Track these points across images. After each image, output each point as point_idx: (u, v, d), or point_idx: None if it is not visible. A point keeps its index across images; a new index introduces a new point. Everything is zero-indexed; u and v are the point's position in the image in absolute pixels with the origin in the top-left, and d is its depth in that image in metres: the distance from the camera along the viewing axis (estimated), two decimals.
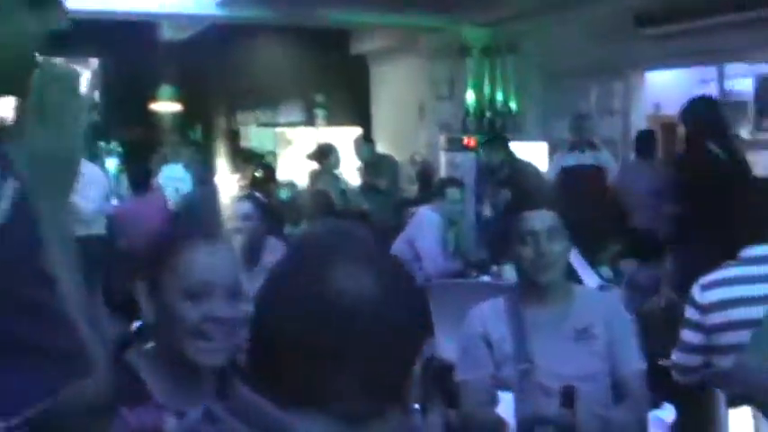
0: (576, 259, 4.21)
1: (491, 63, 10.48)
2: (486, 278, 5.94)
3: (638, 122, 9.04)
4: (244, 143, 12.04)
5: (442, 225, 6.17)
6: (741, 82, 8.19)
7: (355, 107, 12.33)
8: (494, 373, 2.95)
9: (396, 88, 12.22)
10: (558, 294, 3.00)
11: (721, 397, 1.54)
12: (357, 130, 10.92)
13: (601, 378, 2.93)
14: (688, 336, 3.33)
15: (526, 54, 10.03)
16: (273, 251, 4.97)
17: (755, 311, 3.02)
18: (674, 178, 6.07)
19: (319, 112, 11.70)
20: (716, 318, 3.22)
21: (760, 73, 8.06)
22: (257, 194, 5.74)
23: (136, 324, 2.09)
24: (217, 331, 1.83)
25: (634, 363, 2.97)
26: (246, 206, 5.10)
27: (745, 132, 8.18)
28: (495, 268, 5.93)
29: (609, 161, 8.02)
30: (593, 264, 4.26)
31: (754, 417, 1.59)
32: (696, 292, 3.29)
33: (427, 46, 11.33)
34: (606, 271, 4.28)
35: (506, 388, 2.89)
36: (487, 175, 7.91)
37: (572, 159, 7.90)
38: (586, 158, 7.85)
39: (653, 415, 2.06)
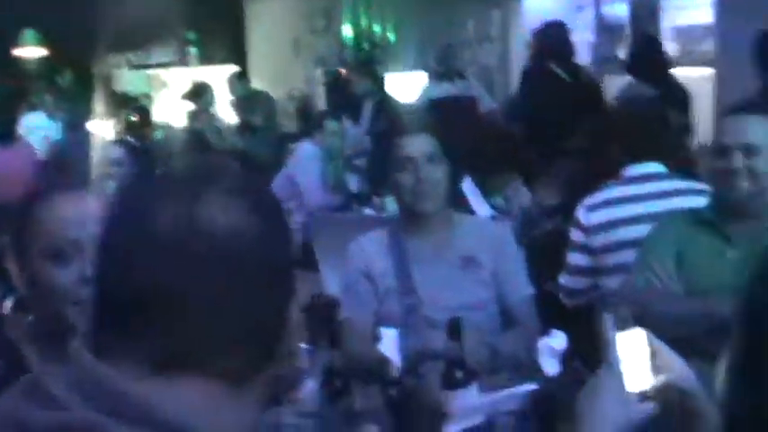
0: (468, 188, 4.12)
1: None
2: (368, 211, 5.82)
3: (517, 50, 8.98)
4: (117, 87, 11.55)
5: (322, 158, 6.03)
6: (617, 7, 8.19)
7: (230, 44, 11.96)
8: (377, 309, 2.84)
9: (271, 23, 11.90)
10: (440, 223, 2.89)
11: (610, 320, 1.44)
12: (233, 68, 10.61)
13: (488, 306, 2.86)
14: (574, 258, 3.29)
15: None
16: None
17: (639, 230, 2.98)
18: (518, 97, 6.22)
19: (192, 51, 11.28)
20: (601, 239, 3.19)
21: None
22: (129, 138, 5.49)
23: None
24: None
25: (522, 289, 2.90)
26: (117, 151, 4.89)
27: (622, 55, 8.20)
28: (377, 200, 5.81)
29: (478, 90, 7.90)
30: (487, 194, 4.17)
31: (647, 338, 1.50)
32: (580, 213, 3.24)
33: None
34: (500, 201, 4.20)
35: (391, 324, 2.79)
36: (352, 105, 7.66)
37: (439, 90, 7.71)
38: (455, 89, 7.69)
39: (543, 343, 1.98)
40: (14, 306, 1.85)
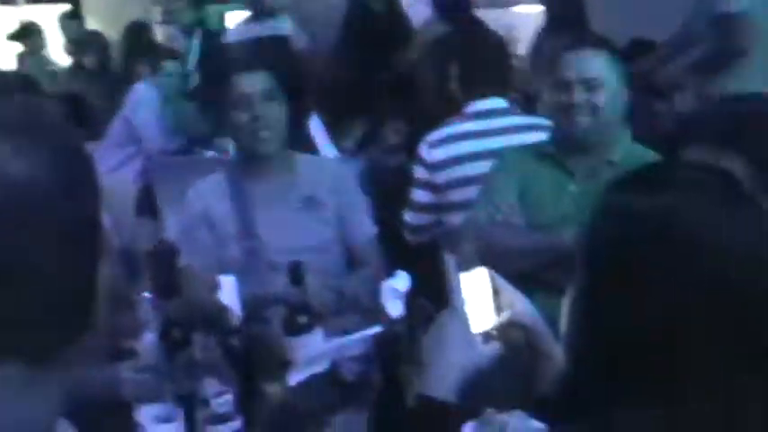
0: (315, 129, 4.03)
1: None
2: (210, 153, 5.65)
3: None
4: None
5: (160, 100, 5.78)
6: None
7: None
8: (218, 254, 2.74)
9: None
10: (280, 164, 2.81)
11: (452, 261, 1.41)
12: (64, 7, 10.11)
13: (332, 247, 2.80)
14: (418, 195, 3.26)
15: None
16: None
17: (483, 167, 2.97)
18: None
19: None
20: (444, 175, 3.17)
21: None
22: None
23: None
24: None
25: (365, 229, 2.86)
26: None
27: None
28: (218, 141, 5.63)
29: (290, 27, 7.66)
30: (338, 135, 4.08)
31: (490, 276, 1.48)
32: (423, 150, 3.21)
33: None
34: (350, 143, 4.11)
35: (233, 270, 2.69)
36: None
37: (246, 32, 7.45)
38: (263, 29, 7.43)
39: (386, 284, 1.93)
40: None
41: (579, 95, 2.63)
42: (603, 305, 1.10)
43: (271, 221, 2.74)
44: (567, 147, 2.73)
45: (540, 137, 2.97)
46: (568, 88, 2.64)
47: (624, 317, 1.07)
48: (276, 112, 2.71)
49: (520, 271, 2.31)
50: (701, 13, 4.32)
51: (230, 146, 5.18)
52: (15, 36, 7.97)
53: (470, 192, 2.99)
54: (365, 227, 2.86)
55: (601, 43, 2.79)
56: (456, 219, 3.08)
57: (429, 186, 3.21)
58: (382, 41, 5.76)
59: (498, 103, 3.25)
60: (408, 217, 3.33)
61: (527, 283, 1.90)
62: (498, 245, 2.59)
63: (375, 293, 2.66)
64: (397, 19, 6.06)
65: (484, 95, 3.24)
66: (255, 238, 2.72)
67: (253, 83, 2.72)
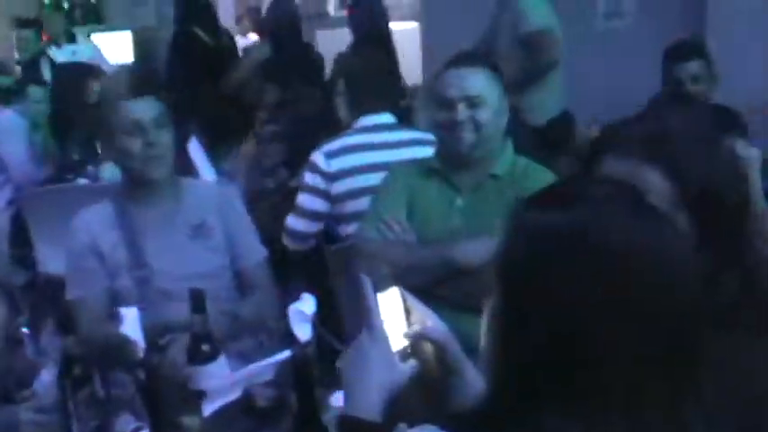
0: (194, 151, 4.00)
1: None
2: (83, 181, 5.51)
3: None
4: None
5: (27, 128, 5.61)
6: None
7: None
8: (109, 285, 2.68)
9: None
10: (168, 190, 2.77)
11: (368, 282, 1.43)
12: None
13: (222, 273, 2.79)
14: (308, 201, 3.33)
15: None
16: None
17: (377, 178, 3.02)
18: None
19: None
20: (341, 185, 3.26)
21: None
22: None
23: None
24: None
25: (255, 253, 2.86)
26: None
27: (331, 9, 8.27)
28: (91, 169, 5.51)
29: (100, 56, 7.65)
30: (215, 157, 4.08)
31: (402, 295, 1.50)
32: (319, 159, 3.30)
33: None
34: (228, 165, 4.11)
35: (125, 301, 2.64)
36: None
37: (62, 55, 7.40)
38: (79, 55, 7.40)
39: (293, 308, 1.93)
40: None
41: (463, 113, 2.68)
42: (521, 321, 1.13)
43: (160, 249, 2.70)
44: (451, 162, 2.78)
45: (426, 151, 3.05)
46: (452, 106, 2.70)
47: (541, 332, 1.10)
48: (166, 139, 2.68)
49: (414, 287, 2.36)
50: (501, 32, 4.64)
51: (105, 171, 5.10)
52: None
53: (364, 203, 3.05)
54: (254, 250, 2.85)
55: (480, 60, 2.86)
56: (348, 229, 3.15)
57: (324, 195, 3.30)
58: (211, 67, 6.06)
59: (387, 117, 3.40)
60: (294, 223, 3.37)
61: (420, 298, 1.93)
62: (390, 260, 2.62)
63: (271, 316, 2.70)
64: (224, 47, 6.41)
65: (372, 111, 3.37)
66: (146, 267, 2.67)
67: (144, 108, 2.68)
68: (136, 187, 2.75)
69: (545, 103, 4.82)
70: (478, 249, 2.50)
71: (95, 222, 2.74)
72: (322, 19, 7.77)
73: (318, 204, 3.32)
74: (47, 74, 6.68)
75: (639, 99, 4.87)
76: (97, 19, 9.43)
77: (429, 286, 2.57)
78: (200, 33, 6.31)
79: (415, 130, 3.47)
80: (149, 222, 2.73)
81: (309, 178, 3.33)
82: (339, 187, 3.28)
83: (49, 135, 5.71)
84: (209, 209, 2.80)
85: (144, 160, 2.65)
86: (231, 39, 6.67)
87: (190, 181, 2.96)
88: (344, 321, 2.89)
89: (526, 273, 1.14)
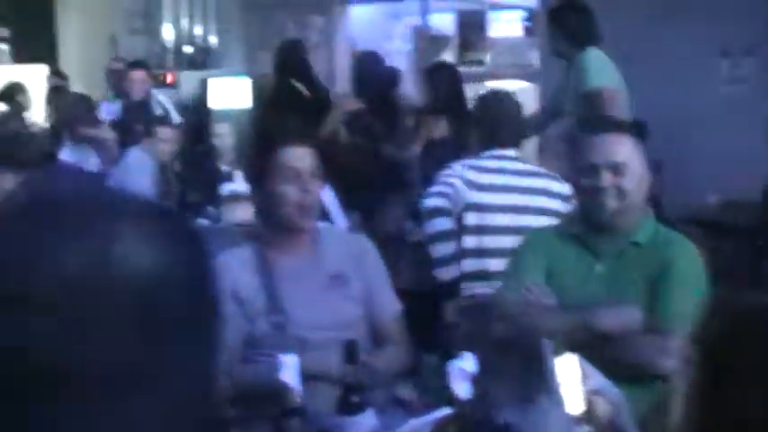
0: (327, 198, 4.07)
1: None
2: (203, 221, 5.63)
3: (342, 57, 8.98)
4: None
5: (153, 166, 5.77)
6: (443, 17, 8.33)
7: (40, 42, 11.40)
8: (248, 330, 2.72)
9: (84, 20, 11.42)
10: (309, 238, 2.81)
11: (548, 346, 1.43)
12: (43, 68, 10.10)
13: (358, 324, 2.79)
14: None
15: None
16: None
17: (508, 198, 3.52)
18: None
19: (3, 48, 10.62)
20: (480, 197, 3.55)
21: (461, 9, 8.23)
22: None
23: None
24: None
25: (390, 306, 2.86)
26: None
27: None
28: (211, 210, 5.63)
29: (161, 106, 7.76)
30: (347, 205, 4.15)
31: (578, 361, 1.50)
32: (465, 171, 3.59)
33: None
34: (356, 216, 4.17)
35: (260, 346, 2.68)
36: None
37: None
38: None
39: (453, 365, 1.93)
40: None
41: (607, 180, 2.67)
42: (731, 397, 1.12)
43: (298, 296, 2.73)
44: (592, 228, 2.77)
45: (549, 184, 3.53)
46: (595, 172, 2.69)
47: (757, 407, 1.10)
48: (318, 188, 2.73)
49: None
50: (568, 89, 4.88)
51: (225, 214, 5.21)
52: (1, 96, 7.94)
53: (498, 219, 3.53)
54: (390, 303, 2.86)
55: (624, 127, 2.86)
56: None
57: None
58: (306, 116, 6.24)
59: (513, 152, 3.73)
60: (436, 251, 3.58)
61: None
62: (532, 325, 2.60)
63: (403, 370, 2.70)
64: (318, 98, 6.68)
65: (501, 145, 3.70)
66: (283, 313, 2.70)
67: (302, 156, 2.73)
68: (278, 233, 2.79)
69: None
70: (621, 316, 2.49)
71: (235, 266, 2.78)
72: None
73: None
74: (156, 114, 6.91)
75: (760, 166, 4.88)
76: (217, 63, 9.66)
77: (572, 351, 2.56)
78: (298, 85, 6.61)
79: (528, 164, 3.84)
80: (288, 269, 2.77)
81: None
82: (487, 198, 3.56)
83: (173, 174, 5.88)
84: (347, 258, 2.83)
85: (297, 208, 2.70)
86: (326, 91, 6.92)
87: (328, 228, 2.99)
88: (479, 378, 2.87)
89: (733, 351, 1.14)
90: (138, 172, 5.68)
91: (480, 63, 7.95)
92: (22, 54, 10.73)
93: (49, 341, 0.71)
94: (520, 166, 3.75)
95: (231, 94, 8.75)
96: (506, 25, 8.05)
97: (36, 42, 11.17)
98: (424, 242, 3.65)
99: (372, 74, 5.96)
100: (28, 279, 0.73)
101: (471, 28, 8.02)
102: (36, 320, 0.72)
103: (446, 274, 3.45)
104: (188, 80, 9.27)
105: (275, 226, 2.79)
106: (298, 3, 9.05)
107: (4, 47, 10.54)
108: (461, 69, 7.71)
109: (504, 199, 3.57)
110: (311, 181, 2.70)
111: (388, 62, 8.06)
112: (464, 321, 3.14)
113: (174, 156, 5.83)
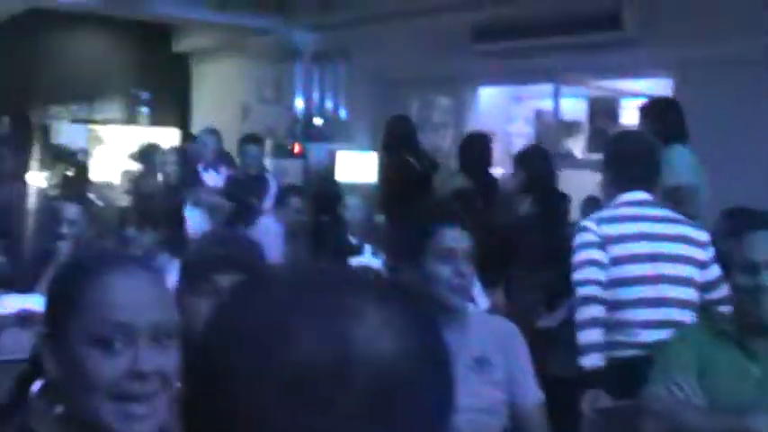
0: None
1: (321, 68, 10.24)
2: None
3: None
4: (55, 139, 11.24)
5: (284, 236, 5.85)
6: (575, 103, 8.29)
7: (175, 107, 11.83)
8: None
9: (218, 89, 11.80)
10: (458, 319, 2.78)
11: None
12: (175, 132, 10.45)
13: (500, 410, 2.74)
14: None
15: (358, 62, 9.86)
16: None
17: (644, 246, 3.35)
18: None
19: (143, 110, 11.06)
20: (616, 250, 3.37)
21: (593, 96, 8.19)
22: (90, 196, 5.30)
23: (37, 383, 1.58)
24: (143, 389, 1.40)
25: (532, 393, 2.80)
26: (73, 210, 4.69)
27: (578, 152, 8.30)
28: None
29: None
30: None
31: None
32: (601, 227, 3.40)
33: (254, 47, 10.97)
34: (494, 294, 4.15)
35: None
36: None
37: None
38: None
39: None
40: (41, 391, 1.51)
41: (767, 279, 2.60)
42: None
43: None
44: (749, 328, 2.68)
45: (685, 229, 3.40)
46: (756, 270, 2.61)
47: None
48: (471, 270, 2.72)
49: None
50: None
51: None
52: (138, 156, 8.21)
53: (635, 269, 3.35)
54: (533, 392, 2.80)
55: None
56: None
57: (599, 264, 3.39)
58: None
59: (645, 195, 3.55)
60: (583, 337, 3.34)
61: None
62: (685, 424, 2.52)
63: None
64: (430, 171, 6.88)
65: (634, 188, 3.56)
66: None
67: (458, 238, 2.73)
68: None
69: None
70: None
71: None
72: (569, 160, 7.83)
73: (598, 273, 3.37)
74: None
75: None
76: (345, 137, 9.82)
77: None
78: (410, 159, 6.72)
79: (665, 209, 3.61)
80: None
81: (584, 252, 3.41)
82: (614, 251, 3.40)
83: (303, 244, 5.94)
84: (494, 342, 2.79)
85: (450, 288, 2.68)
86: (435, 164, 6.99)
87: (474, 310, 2.95)
88: None
89: None
90: (268, 240, 5.76)
91: None
92: (158, 118, 11.15)
93: (285, 419, 0.70)
94: (656, 211, 3.55)
95: (358, 167, 8.88)
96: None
97: (171, 107, 11.60)
98: (574, 328, 3.45)
99: (474, 153, 6.05)
100: (271, 355, 0.72)
101: (603, 115, 7.95)
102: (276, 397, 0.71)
103: (592, 360, 3.30)
104: (316, 151, 9.45)
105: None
106: (427, 81, 9.16)
107: (145, 109, 10.96)
108: (592, 157, 7.71)
109: (641, 248, 3.40)
110: (465, 262, 2.69)
111: (507, 144, 8.14)
112: (609, 420, 3.05)
113: (302, 225, 5.89)
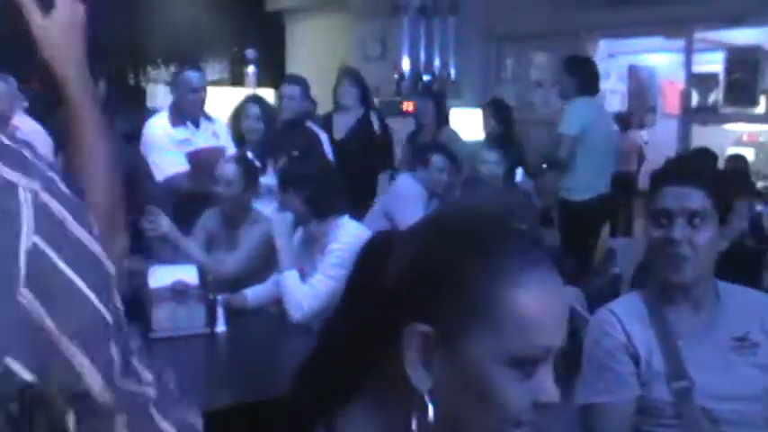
0: None
1: (428, 23, 9.84)
2: None
3: None
4: (150, 102, 11.04)
5: (425, 197, 5.51)
6: (711, 56, 7.85)
7: (271, 67, 11.55)
8: (642, 394, 2.36)
9: (315, 48, 11.48)
10: (704, 293, 2.43)
11: None
12: (271, 92, 10.19)
13: (763, 397, 2.38)
14: None
15: (467, 15, 9.45)
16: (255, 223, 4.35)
17: None
18: None
19: (251, 70, 10.72)
20: None
21: (730, 46, 7.72)
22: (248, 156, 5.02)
23: None
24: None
25: None
26: (230, 168, 4.47)
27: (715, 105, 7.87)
28: None
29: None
30: None
31: None
32: None
33: (356, 3, 10.62)
34: None
35: (654, 414, 2.33)
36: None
37: None
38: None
39: None
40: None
41: None
42: None
43: (701, 360, 2.35)
44: None
45: None
46: None
47: None
48: (707, 237, 2.34)
49: None
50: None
51: None
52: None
53: None
54: None
55: None
56: None
57: None
58: None
59: None
60: None
61: None
62: None
63: None
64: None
65: None
66: (687, 379, 2.33)
67: (681, 198, 2.37)
68: (666, 288, 2.43)
69: (579, 185, 6.30)
70: None
71: (627, 319, 2.43)
72: (705, 112, 7.42)
73: None
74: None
75: None
76: (455, 94, 9.43)
77: None
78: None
79: None
80: (687, 329, 2.40)
81: None
82: None
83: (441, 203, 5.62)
84: (754, 319, 2.43)
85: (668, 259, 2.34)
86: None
87: (729, 287, 2.56)
88: None
89: None
90: (409, 200, 5.44)
91: (753, 104, 7.36)
92: (260, 78, 10.83)
93: None
94: None
95: (468, 125, 8.52)
96: None
97: (268, 67, 11.32)
98: None
99: None
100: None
101: (742, 68, 7.46)
102: None
103: None
104: (427, 109, 9.07)
105: (659, 279, 2.43)
106: (543, 35, 8.74)
107: (252, 69, 10.66)
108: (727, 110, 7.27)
109: None
110: (690, 227, 2.33)
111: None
112: None
113: (445, 185, 5.56)
